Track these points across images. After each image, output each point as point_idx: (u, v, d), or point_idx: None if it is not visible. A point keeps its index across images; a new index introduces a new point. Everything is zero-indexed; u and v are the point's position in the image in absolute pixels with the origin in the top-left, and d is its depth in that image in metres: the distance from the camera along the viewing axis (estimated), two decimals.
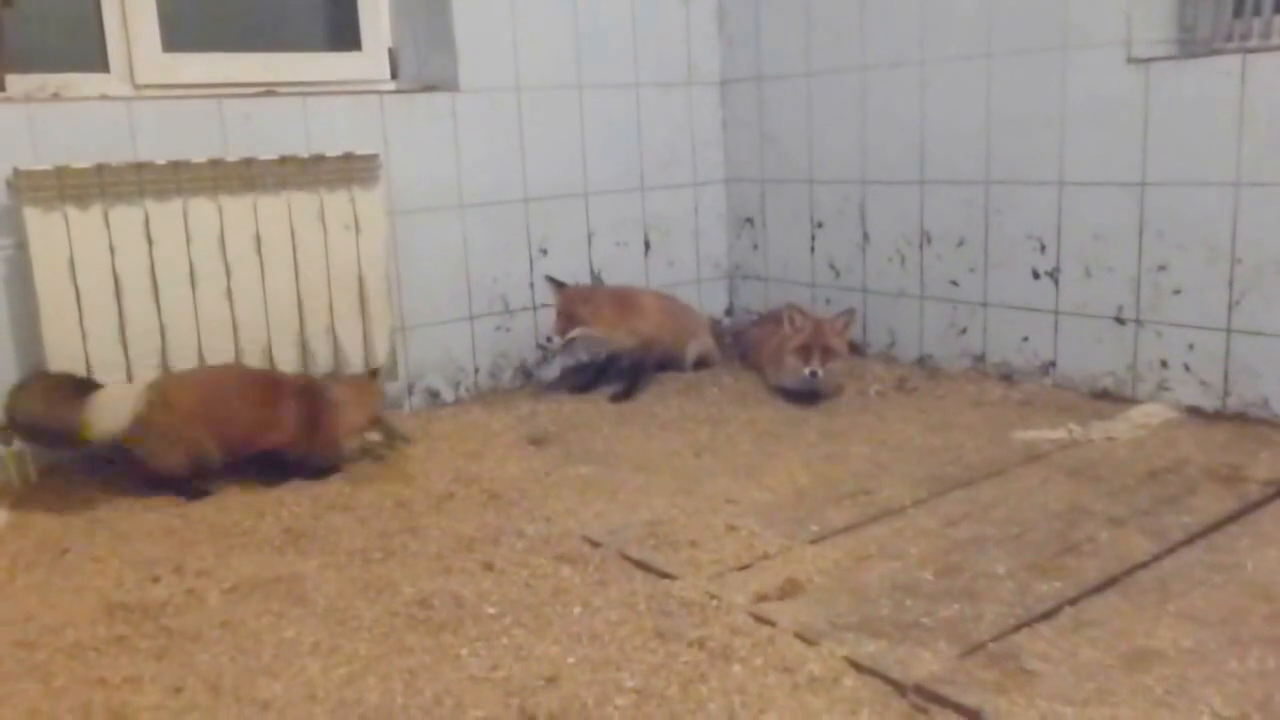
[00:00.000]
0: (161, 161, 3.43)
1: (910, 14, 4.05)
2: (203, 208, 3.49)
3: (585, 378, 4.32)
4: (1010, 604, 2.29)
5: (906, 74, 4.12)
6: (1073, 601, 2.30)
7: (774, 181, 4.73)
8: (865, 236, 4.40)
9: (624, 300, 4.25)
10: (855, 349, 4.24)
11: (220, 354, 3.55)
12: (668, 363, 4.39)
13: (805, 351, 3.84)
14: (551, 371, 4.47)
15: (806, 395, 3.90)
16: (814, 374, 3.82)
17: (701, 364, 4.46)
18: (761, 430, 3.62)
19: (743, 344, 4.60)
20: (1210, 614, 2.22)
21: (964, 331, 4.11)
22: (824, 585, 2.43)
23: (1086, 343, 3.75)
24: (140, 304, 3.41)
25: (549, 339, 4.10)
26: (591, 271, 4.54)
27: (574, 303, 4.07)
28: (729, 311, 5.04)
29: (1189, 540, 2.58)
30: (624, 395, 4.09)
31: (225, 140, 3.63)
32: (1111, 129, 3.55)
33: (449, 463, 3.42)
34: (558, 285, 4.14)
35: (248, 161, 3.56)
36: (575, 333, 4.06)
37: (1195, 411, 3.47)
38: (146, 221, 3.40)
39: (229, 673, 2.19)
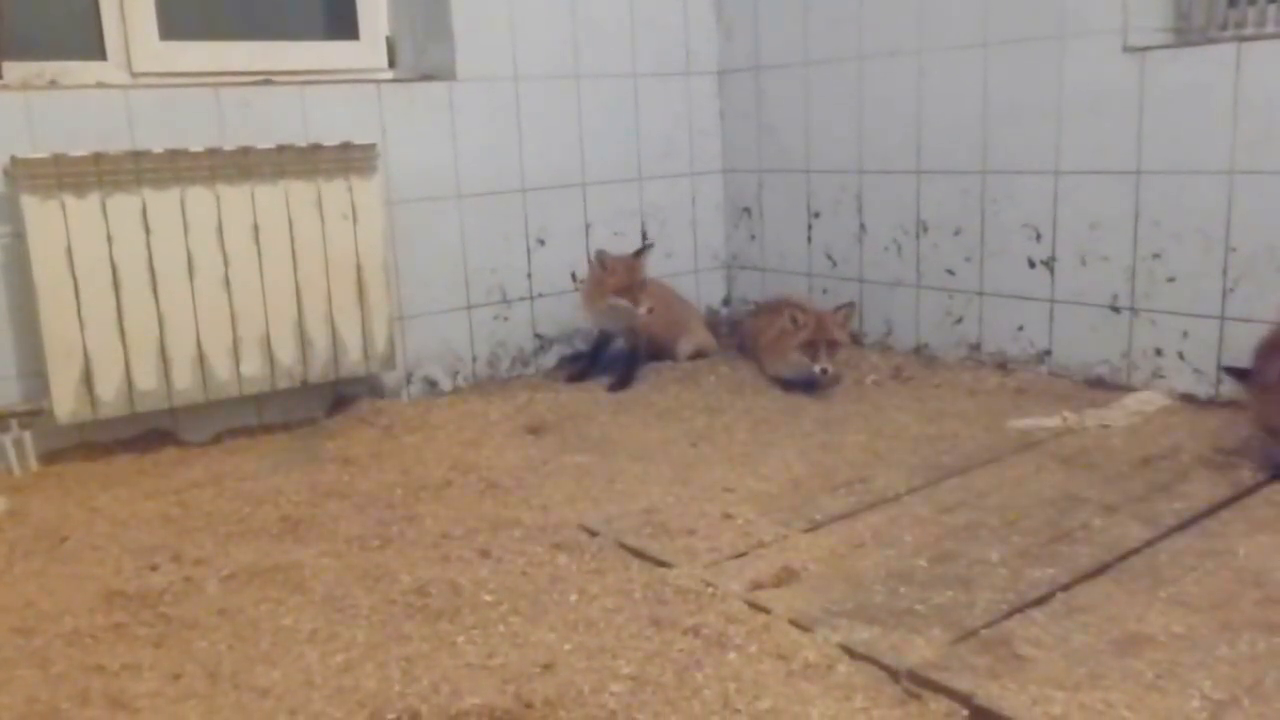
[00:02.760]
0: (159, 150, 3.43)
1: (908, 3, 4.06)
2: (200, 197, 3.50)
3: (580, 367, 4.33)
4: (1003, 590, 2.30)
5: (903, 63, 4.12)
6: (1065, 588, 2.31)
7: (771, 172, 4.74)
8: (862, 226, 4.41)
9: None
10: (853, 338, 4.25)
11: (218, 343, 3.56)
12: (659, 353, 4.40)
13: (812, 347, 3.82)
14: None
15: (804, 384, 3.91)
16: (825, 371, 3.81)
17: (697, 357, 4.47)
18: (758, 419, 3.64)
19: (739, 334, 4.61)
20: (1202, 599, 2.24)
21: (960, 320, 4.12)
22: (819, 573, 2.44)
23: (1081, 331, 3.76)
24: (138, 293, 3.42)
25: (649, 310, 4.02)
26: (589, 259, 4.55)
27: (634, 272, 4.04)
28: (726, 301, 5.05)
29: (1181, 526, 2.59)
30: (620, 385, 4.10)
31: (223, 129, 3.64)
32: (1107, 118, 3.56)
33: (447, 451, 3.43)
34: (609, 258, 4.09)
35: (245, 150, 3.56)
36: (644, 309, 4.02)
37: (1189, 399, 3.49)
38: (144, 210, 3.41)
39: (227, 660, 2.20)
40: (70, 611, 2.43)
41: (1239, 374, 2.97)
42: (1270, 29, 3.32)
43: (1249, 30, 3.37)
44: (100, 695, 2.08)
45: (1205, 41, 3.41)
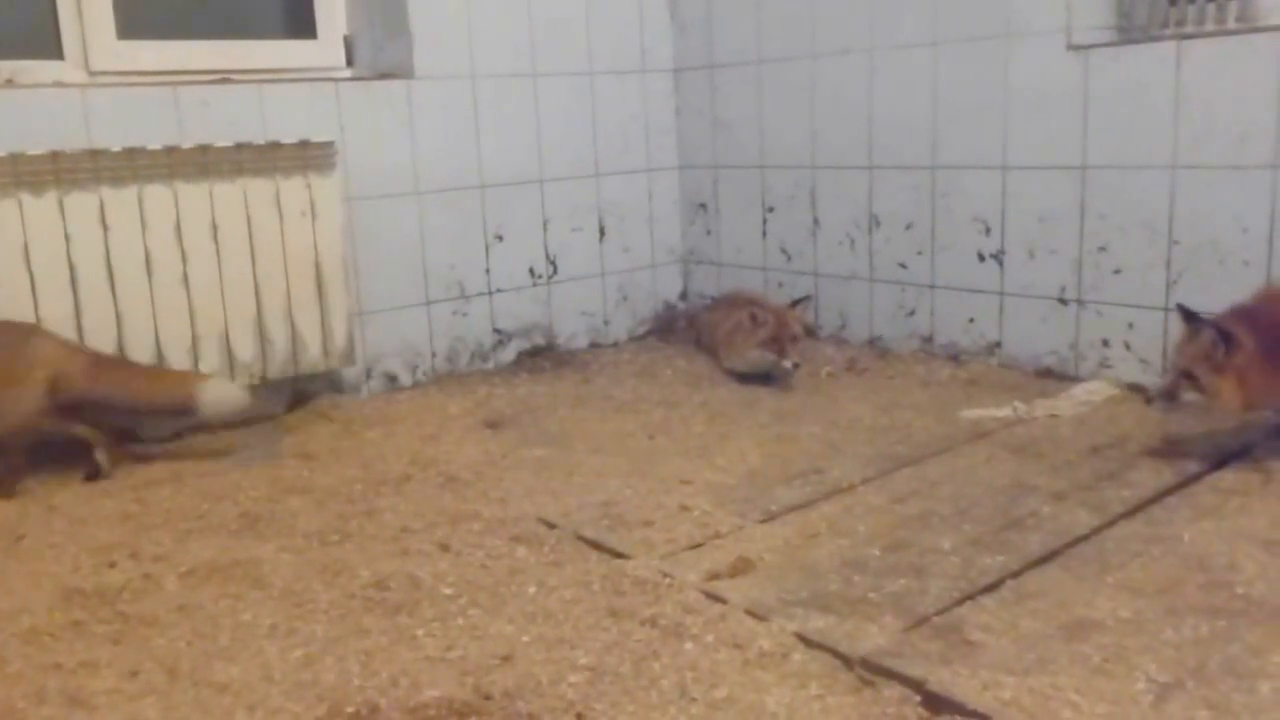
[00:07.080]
0: (117, 149, 3.42)
1: (859, 2, 4.10)
2: (158, 195, 3.48)
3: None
4: (955, 578, 2.34)
5: (855, 61, 4.16)
6: (1015, 574, 2.35)
7: (726, 168, 4.77)
8: (816, 221, 4.45)
9: None
10: (808, 331, 4.30)
11: (177, 340, 3.55)
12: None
13: (777, 344, 3.85)
14: None
15: (760, 378, 3.95)
16: (796, 365, 3.85)
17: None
18: (714, 412, 3.67)
19: (695, 328, 4.64)
20: (1148, 585, 2.29)
21: (912, 313, 4.18)
22: (774, 563, 2.48)
23: (1031, 323, 3.82)
24: (96, 291, 3.41)
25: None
26: (546, 255, 4.57)
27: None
28: (683, 296, 5.08)
29: (1128, 513, 2.65)
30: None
31: (181, 127, 3.62)
32: (1053, 114, 3.62)
33: (406, 445, 3.44)
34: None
35: (204, 148, 3.56)
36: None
37: (1136, 388, 3.54)
38: (102, 209, 3.40)
39: (186, 656, 2.20)
40: (27, 609, 2.42)
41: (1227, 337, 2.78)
42: (1210, 27, 3.40)
43: (1189, 28, 3.44)
44: (57, 693, 2.08)
45: (1147, 40, 3.47)
